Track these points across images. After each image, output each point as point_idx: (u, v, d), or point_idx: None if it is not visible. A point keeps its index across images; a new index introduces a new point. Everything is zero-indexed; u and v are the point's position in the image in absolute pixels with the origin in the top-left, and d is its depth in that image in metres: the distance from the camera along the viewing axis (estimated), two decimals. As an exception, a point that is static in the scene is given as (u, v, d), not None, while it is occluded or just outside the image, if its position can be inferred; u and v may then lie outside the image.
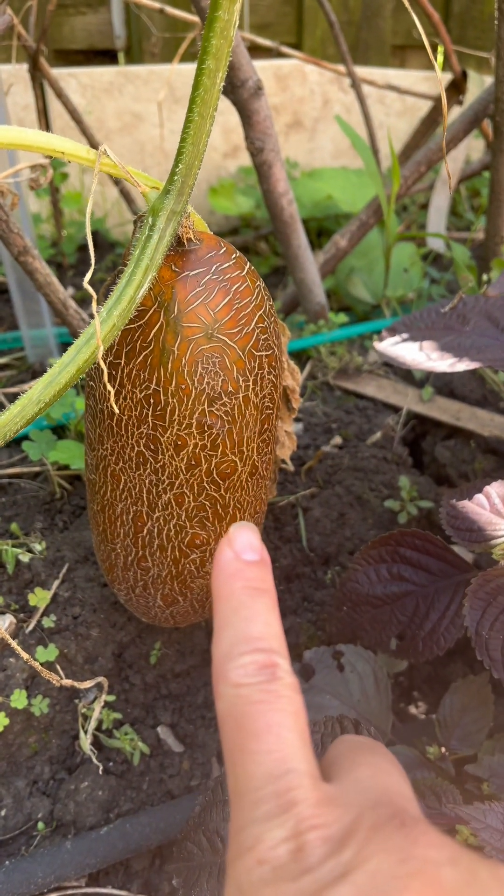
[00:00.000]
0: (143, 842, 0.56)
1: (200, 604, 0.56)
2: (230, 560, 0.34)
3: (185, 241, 0.42)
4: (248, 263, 0.45)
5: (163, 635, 0.64)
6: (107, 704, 0.60)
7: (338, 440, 0.82)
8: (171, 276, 0.42)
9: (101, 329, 0.37)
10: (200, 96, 0.37)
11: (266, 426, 0.48)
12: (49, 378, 0.38)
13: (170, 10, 1.08)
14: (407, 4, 0.52)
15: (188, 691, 0.63)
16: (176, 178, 0.39)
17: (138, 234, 0.40)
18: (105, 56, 1.52)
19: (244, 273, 0.44)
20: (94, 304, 0.36)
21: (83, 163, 0.39)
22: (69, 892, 0.55)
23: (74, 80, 1.33)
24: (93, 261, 0.36)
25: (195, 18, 1.12)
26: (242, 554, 0.34)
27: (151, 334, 0.42)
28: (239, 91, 0.75)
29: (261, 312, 0.44)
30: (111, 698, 0.61)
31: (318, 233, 1.32)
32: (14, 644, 0.46)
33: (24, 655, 0.46)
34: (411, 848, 0.24)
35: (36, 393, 0.38)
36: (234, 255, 0.44)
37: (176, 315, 0.41)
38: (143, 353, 0.42)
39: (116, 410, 0.38)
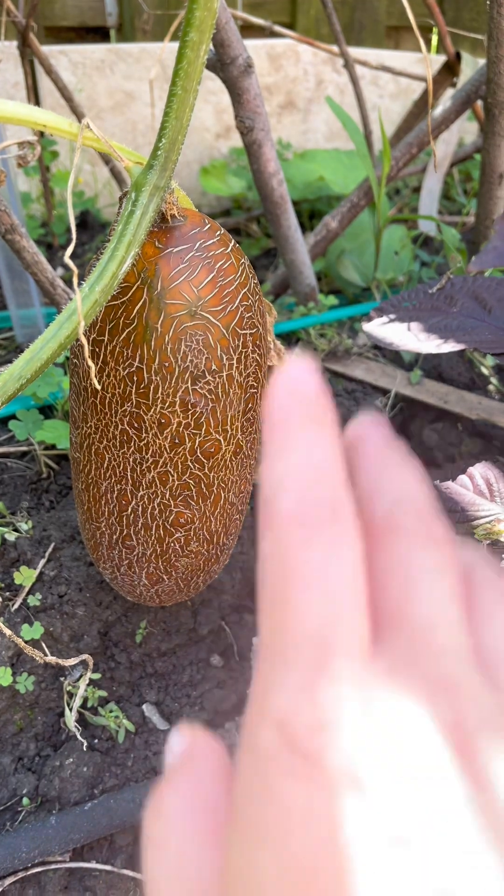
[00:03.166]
0: (128, 818, 0.56)
1: (185, 582, 0.56)
2: (287, 383, 0.27)
3: (168, 218, 0.42)
4: (233, 241, 0.45)
5: (148, 614, 0.64)
6: (92, 682, 0.61)
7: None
8: (154, 253, 0.41)
9: (83, 305, 0.37)
10: (184, 69, 0.37)
11: (250, 405, 0.48)
12: (30, 354, 0.38)
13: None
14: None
15: (174, 670, 0.64)
16: (159, 152, 0.38)
17: (122, 210, 0.40)
18: (97, 33, 1.51)
19: (228, 250, 0.44)
20: (74, 279, 0.36)
21: (66, 136, 0.39)
22: (53, 866, 0.55)
23: (65, 57, 1.31)
24: (73, 235, 0.36)
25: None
26: (301, 380, 0.27)
27: (135, 311, 0.42)
28: (228, 68, 0.74)
29: (245, 290, 0.44)
30: (96, 676, 0.61)
31: (311, 215, 1.31)
32: (0, 622, 0.46)
33: (9, 633, 0.46)
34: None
35: (17, 369, 0.38)
36: (218, 233, 0.43)
37: (159, 292, 0.41)
38: (127, 330, 0.42)
39: (98, 387, 0.38)
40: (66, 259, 0.35)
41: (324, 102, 1.52)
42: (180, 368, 0.43)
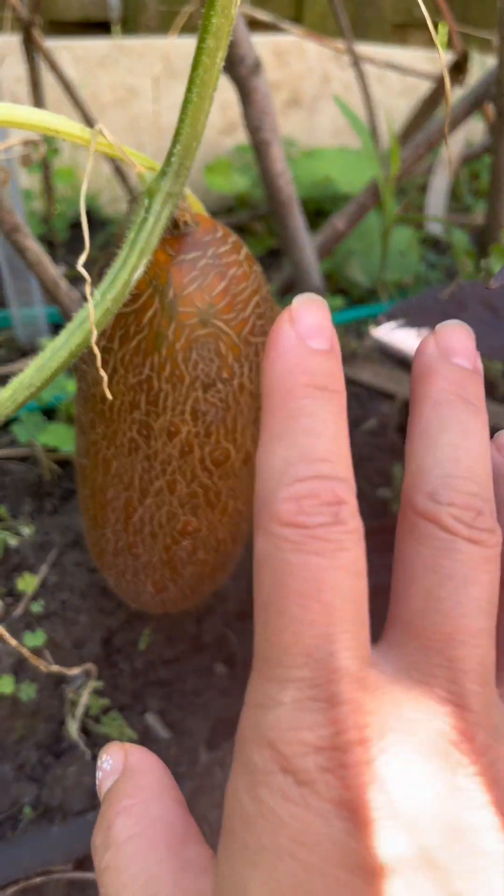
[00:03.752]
0: (130, 827, 0.56)
1: (191, 590, 0.56)
2: (292, 344, 0.25)
3: (181, 224, 0.41)
4: (245, 247, 0.44)
5: (152, 622, 0.64)
6: (94, 690, 0.60)
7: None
8: (166, 260, 0.40)
9: (94, 313, 0.36)
10: (199, 76, 0.36)
11: (261, 413, 0.47)
12: (40, 362, 0.37)
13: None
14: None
15: (177, 678, 0.63)
16: (173, 159, 0.37)
17: (133, 217, 0.39)
18: (100, 28, 1.49)
19: (241, 257, 0.43)
20: (87, 288, 0.35)
21: (78, 142, 0.38)
22: (55, 876, 0.54)
23: (68, 52, 1.30)
24: (87, 243, 0.35)
25: (193, -9, 1.09)
26: (309, 338, 0.25)
27: (146, 319, 0.41)
28: (237, 68, 0.73)
29: (257, 298, 0.43)
30: (99, 684, 0.60)
31: (316, 213, 1.30)
32: (1, 629, 0.45)
33: (12, 641, 0.46)
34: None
35: (27, 377, 0.37)
36: (230, 239, 0.43)
37: (171, 299, 0.40)
38: (137, 338, 0.41)
39: (110, 397, 0.37)
40: (80, 267, 0.35)
41: (330, 99, 1.51)
42: (191, 377, 0.42)
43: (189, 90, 0.36)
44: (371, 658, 0.23)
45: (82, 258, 0.35)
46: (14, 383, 0.38)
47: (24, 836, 0.55)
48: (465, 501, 0.24)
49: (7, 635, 0.45)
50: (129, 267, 0.38)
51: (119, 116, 1.37)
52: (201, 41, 0.35)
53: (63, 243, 1.25)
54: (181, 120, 0.37)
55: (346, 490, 0.23)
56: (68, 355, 0.37)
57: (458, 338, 0.27)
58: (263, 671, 0.22)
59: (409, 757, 0.20)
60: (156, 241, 0.38)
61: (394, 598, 0.26)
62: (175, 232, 0.41)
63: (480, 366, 0.27)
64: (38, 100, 1.14)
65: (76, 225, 1.31)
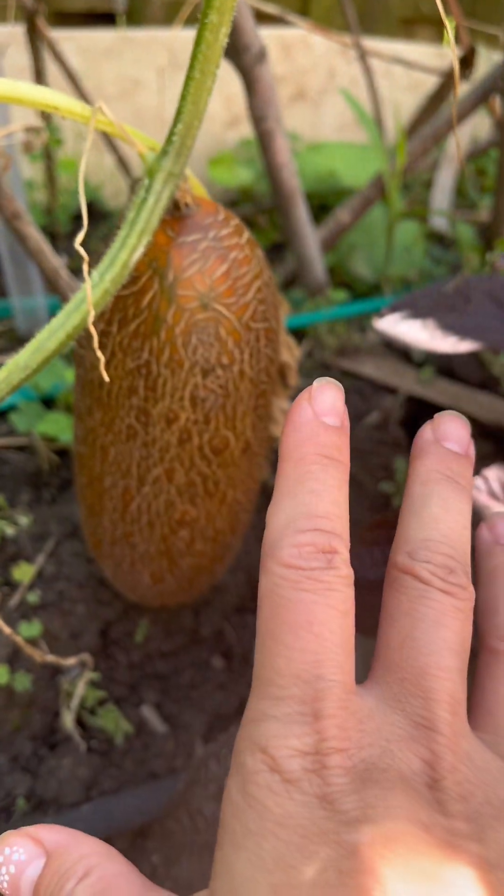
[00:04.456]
0: (125, 821, 0.55)
1: (189, 582, 0.55)
2: (308, 419, 0.30)
3: (182, 206, 0.40)
4: (248, 231, 0.43)
5: (149, 614, 0.63)
6: (90, 682, 0.59)
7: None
8: (166, 242, 0.40)
9: (92, 294, 0.36)
10: (202, 52, 0.35)
11: (261, 401, 0.46)
12: (37, 344, 0.37)
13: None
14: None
15: (174, 671, 0.62)
16: (174, 137, 0.37)
17: (133, 197, 0.38)
18: (104, 19, 1.48)
19: (243, 241, 0.42)
20: (84, 267, 0.34)
21: (78, 119, 0.37)
22: (48, 869, 0.54)
23: (73, 43, 1.29)
24: (86, 221, 0.35)
25: (199, -18, 1.09)
26: (323, 416, 0.30)
27: (145, 302, 0.40)
28: (242, 57, 0.73)
29: (259, 283, 0.43)
30: (95, 676, 0.59)
31: (320, 207, 1.29)
32: (-4, 619, 0.44)
33: (7, 630, 0.45)
34: (439, 818, 0.22)
35: (23, 359, 0.37)
36: (232, 222, 0.42)
37: (171, 282, 0.40)
38: (136, 322, 0.41)
39: (107, 379, 0.37)
40: (77, 245, 0.34)
41: (335, 93, 1.50)
42: (190, 362, 0.41)
43: (192, 66, 0.36)
44: (356, 690, 0.26)
45: (80, 236, 0.34)
46: (9, 364, 0.37)
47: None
48: (440, 560, 0.28)
49: (3, 625, 0.44)
50: (128, 247, 0.37)
51: (123, 108, 1.36)
52: (204, 16, 0.35)
53: (65, 235, 1.24)
54: (183, 97, 0.36)
55: (341, 543, 0.27)
56: (65, 336, 0.36)
57: (452, 425, 0.32)
58: (259, 690, 0.25)
59: (382, 766, 0.23)
60: (156, 222, 0.37)
61: (378, 642, 0.29)
62: (176, 213, 0.40)
63: (472, 451, 0.32)
64: (41, 90, 1.14)
65: (79, 216, 1.30)
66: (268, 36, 1.43)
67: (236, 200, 1.37)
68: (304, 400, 0.31)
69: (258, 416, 0.47)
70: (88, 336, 0.43)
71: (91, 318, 0.34)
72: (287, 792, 0.22)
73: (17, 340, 0.92)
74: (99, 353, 0.34)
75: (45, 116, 1.14)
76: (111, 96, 1.34)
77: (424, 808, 0.22)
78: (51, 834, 0.27)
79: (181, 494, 0.47)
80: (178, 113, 0.37)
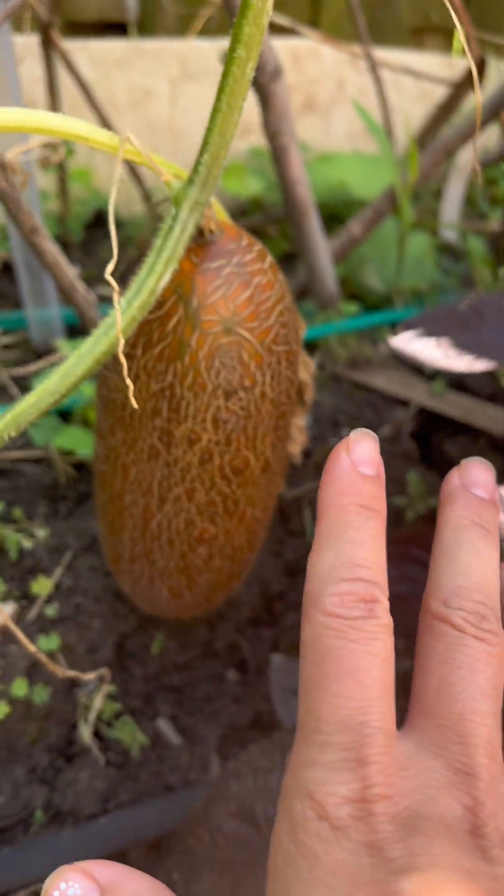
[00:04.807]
0: (141, 833, 0.55)
1: (206, 597, 0.56)
2: (346, 470, 0.31)
3: (206, 232, 0.41)
4: (270, 256, 0.44)
5: (165, 627, 0.64)
6: (107, 695, 0.60)
7: (346, 433, 0.81)
8: (191, 268, 0.40)
9: (120, 321, 0.36)
10: (229, 86, 0.36)
11: (281, 422, 0.47)
12: (65, 370, 0.37)
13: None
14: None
15: (189, 684, 0.63)
16: (201, 167, 0.37)
17: (160, 224, 0.39)
18: (116, 29, 1.49)
19: (265, 266, 0.43)
20: (115, 297, 0.35)
21: (106, 149, 0.38)
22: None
23: (85, 53, 1.30)
24: (115, 251, 0.35)
25: (211, -6, 1.10)
26: (360, 465, 0.31)
27: (169, 326, 0.41)
28: (258, 74, 0.73)
29: (281, 307, 0.43)
30: (112, 689, 0.60)
31: (330, 217, 1.30)
32: (18, 632, 0.45)
33: (28, 645, 0.46)
34: (483, 865, 0.23)
35: (52, 384, 0.37)
36: (255, 248, 0.43)
37: (195, 308, 0.40)
38: (160, 346, 0.41)
39: (135, 406, 0.37)
40: (107, 275, 0.35)
41: (344, 103, 1.51)
42: (213, 385, 0.42)
43: (218, 99, 0.36)
44: (396, 735, 0.27)
45: (110, 267, 0.35)
46: (38, 390, 0.38)
47: (35, 840, 0.55)
48: (472, 607, 0.29)
49: (24, 639, 0.45)
50: (155, 274, 0.38)
51: (135, 118, 1.37)
52: (232, 50, 0.35)
53: (78, 244, 1.25)
54: (209, 129, 0.37)
55: (381, 592, 0.28)
56: (93, 363, 0.37)
57: (478, 472, 0.33)
58: (305, 737, 0.26)
59: (425, 813, 0.24)
60: (182, 250, 0.38)
61: (414, 688, 0.30)
62: (200, 240, 0.41)
63: (497, 496, 0.33)
64: (54, 100, 1.14)
65: (91, 226, 1.31)
66: (278, 46, 1.44)
67: (247, 210, 1.38)
68: (342, 450, 0.32)
69: (278, 436, 0.47)
70: (114, 359, 0.44)
71: (121, 347, 0.35)
72: (336, 840, 0.23)
73: (31, 351, 0.93)
74: (128, 381, 0.35)
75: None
76: (123, 106, 1.35)
77: (468, 855, 0.23)
78: (104, 869, 0.28)
79: (201, 513, 0.48)
80: (205, 143, 0.37)
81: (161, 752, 0.60)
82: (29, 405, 0.37)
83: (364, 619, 0.27)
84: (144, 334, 0.41)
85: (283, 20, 1.17)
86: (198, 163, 0.38)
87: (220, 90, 0.36)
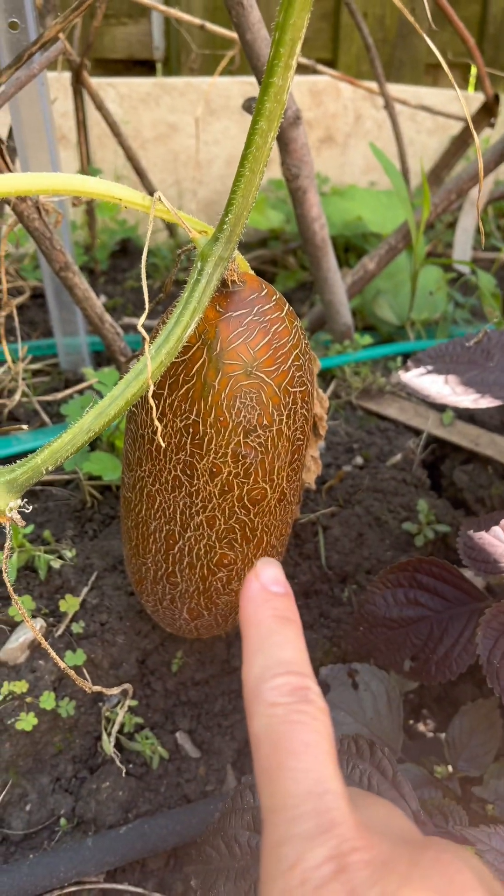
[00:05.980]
0: (160, 843, 0.58)
1: (224, 618, 0.59)
2: (258, 590, 0.37)
3: (229, 283, 0.45)
4: (287, 304, 0.48)
5: (185, 645, 0.67)
6: (129, 709, 0.63)
7: (359, 460, 0.84)
8: (215, 316, 0.44)
9: (150, 366, 0.40)
10: (252, 153, 0.39)
11: (296, 456, 0.50)
12: (99, 409, 0.41)
13: (210, 26, 1.10)
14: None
15: (207, 699, 0.66)
16: (225, 226, 0.41)
17: (188, 277, 0.43)
18: (143, 66, 1.55)
19: (283, 314, 0.46)
20: (145, 346, 0.39)
21: (139, 209, 0.42)
22: (88, 886, 0.57)
23: (113, 89, 1.36)
24: (147, 305, 0.39)
25: (234, 35, 1.14)
26: (269, 586, 0.37)
27: (194, 369, 0.44)
28: (278, 119, 0.77)
29: (297, 351, 0.47)
30: (133, 703, 0.63)
31: (345, 248, 1.34)
32: (49, 648, 0.48)
33: (58, 661, 0.49)
34: (450, 888, 0.26)
35: (87, 423, 0.41)
36: (274, 297, 0.46)
37: (218, 353, 0.44)
38: (186, 386, 0.45)
39: (163, 445, 0.41)
40: (139, 327, 0.38)
41: (362, 137, 1.56)
42: (234, 423, 0.45)
43: (242, 165, 0.40)
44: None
45: (142, 318, 0.38)
46: (74, 428, 0.41)
47: (59, 847, 0.58)
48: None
49: (57, 657, 0.48)
50: (182, 324, 0.41)
51: (160, 151, 1.42)
52: (255, 122, 0.39)
53: (103, 272, 1.30)
54: (234, 191, 0.41)
55: (311, 681, 0.32)
56: (125, 404, 0.41)
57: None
58: (273, 818, 0.29)
59: (392, 855, 0.27)
60: (206, 302, 0.42)
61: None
62: (223, 290, 0.45)
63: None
64: (83, 135, 1.20)
65: (115, 254, 1.36)
66: (299, 83, 1.49)
67: (266, 239, 1.42)
68: (252, 578, 0.37)
69: (293, 468, 0.51)
70: (143, 399, 0.47)
71: (151, 392, 0.38)
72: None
73: (60, 376, 0.97)
74: (157, 423, 0.38)
75: (89, 166, 1.20)
76: (149, 140, 1.40)
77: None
78: None
79: (221, 540, 0.51)
80: (229, 204, 0.41)
81: (180, 765, 0.63)
82: (65, 442, 0.41)
83: (302, 702, 0.31)
84: (171, 376, 0.45)
85: (304, 60, 1.22)
86: (222, 222, 0.41)
87: (244, 157, 0.40)
